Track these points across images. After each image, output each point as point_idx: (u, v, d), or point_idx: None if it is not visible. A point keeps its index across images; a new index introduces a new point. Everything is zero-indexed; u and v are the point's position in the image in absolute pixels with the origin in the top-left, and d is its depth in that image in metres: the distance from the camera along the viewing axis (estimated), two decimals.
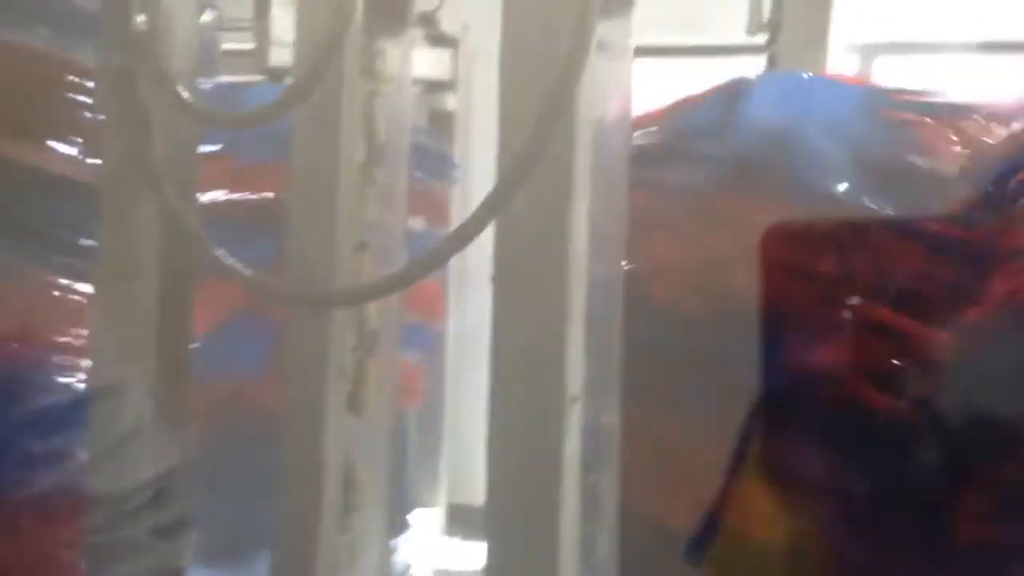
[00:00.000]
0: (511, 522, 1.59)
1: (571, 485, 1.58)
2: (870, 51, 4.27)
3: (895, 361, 1.61)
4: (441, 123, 4.04)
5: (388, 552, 1.99)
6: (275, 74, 3.00)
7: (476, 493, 4.31)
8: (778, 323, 1.69)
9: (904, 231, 1.68)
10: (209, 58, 2.49)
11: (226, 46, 3.08)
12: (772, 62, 3.14)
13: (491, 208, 1.44)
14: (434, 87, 4.00)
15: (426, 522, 3.88)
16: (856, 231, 1.73)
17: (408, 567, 3.60)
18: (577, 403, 1.56)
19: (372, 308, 1.80)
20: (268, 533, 1.86)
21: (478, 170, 4.13)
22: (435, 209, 3.64)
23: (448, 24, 3.88)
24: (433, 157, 3.42)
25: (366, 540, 1.85)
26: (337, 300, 1.72)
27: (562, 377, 1.55)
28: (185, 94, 1.72)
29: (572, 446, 1.56)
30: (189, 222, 1.74)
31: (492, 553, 1.61)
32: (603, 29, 1.58)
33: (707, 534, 1.54)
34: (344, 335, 1.78)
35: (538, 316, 1.56)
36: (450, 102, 4.06)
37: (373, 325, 1.80)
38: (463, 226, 1.46)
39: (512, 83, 1.60)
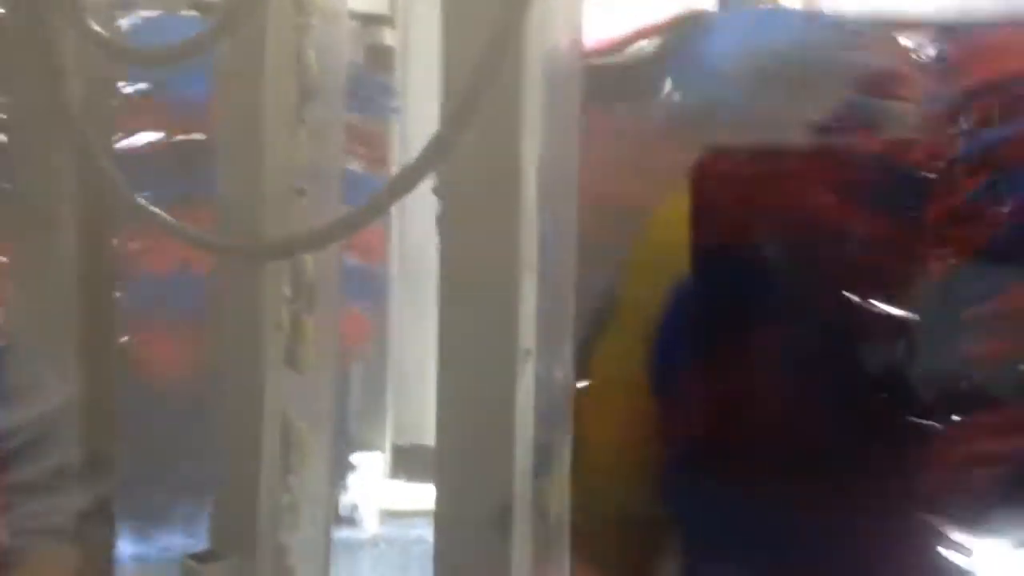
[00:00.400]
0: (464, 483, 1.51)
1: (524, 442, 1.50)
2: None
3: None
4: (378, 59, 3.90)
5: (332, 512, 1.91)
6: (205, 8, 2.85)
7: (422, 434, 4.27)
8: (711, 256, 1.69)
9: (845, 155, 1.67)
10: None
11: None
12: None
13: (435, 151, 1.34)
14: (371, 21, 3.85)
15: (371, 463, 3.83)
16: (795, 158, 1.69)
17: (354, 508, 3.55)
18: (530, 357, 1.48)
19: (309, 258, 1.70)
20: (204, 495, 1.78)
21: (418, 108, 4.02)
22: (374, 148, 3.53)
23: None
24: (372, 94, 3.30)
25: (309, 500, 1.77)
26: (270, 251, 1.61)
27: (514, 331, 1.46)
28: (98, 28, 1.59)
29: (525, 402, 1.49)
30: (108, 168, 1.62)
31: (443, 511, 1.54)
32: None
33: None
34: (279, 287, 1.68)
35: (488, 266, 1.47)
36: (388, 37, 3.92)
37: (310, 276, 1.70)
38: (406, 171, 1.37)
39: (455, 16, 1.50)
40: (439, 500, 1.55)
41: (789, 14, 2.29)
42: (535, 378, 1.52)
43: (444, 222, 1.54)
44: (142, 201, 1.51)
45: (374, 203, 1.43)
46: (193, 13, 2.88)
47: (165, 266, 2.57)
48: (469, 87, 1.34)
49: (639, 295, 1.81)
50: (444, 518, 1.55)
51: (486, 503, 1.49)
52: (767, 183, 1.73)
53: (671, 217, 1.75)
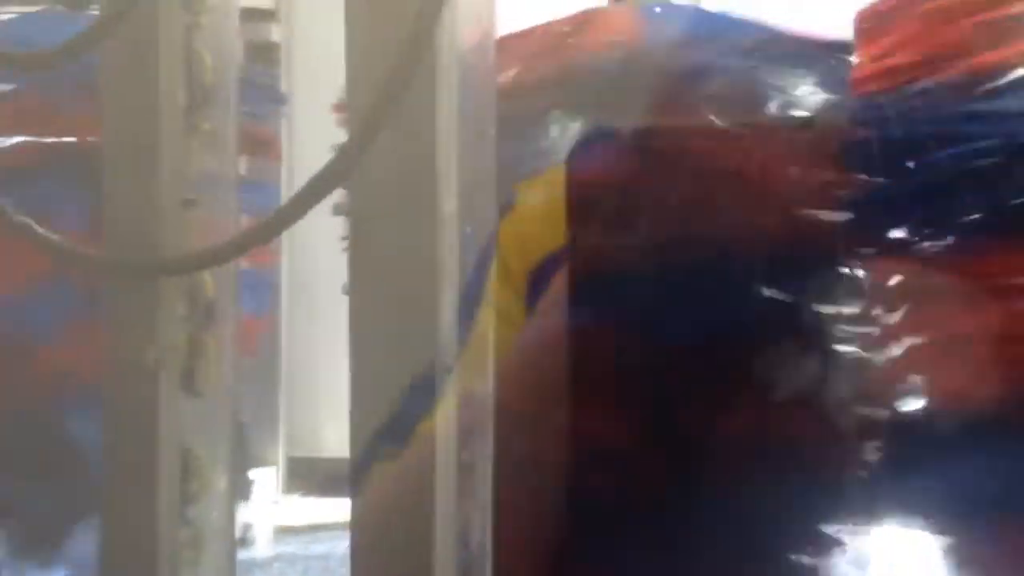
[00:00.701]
0: (382, 511, 1.43)
1: (446, 462, 1.43)
2: None
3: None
4: (261, 56, 3.77)
5: (234, 543, 1.80)
6: (71, 2, 2.69)
7: (316, 447, 4.15)
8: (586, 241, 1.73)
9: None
10: None
11: None
12: None
13: (348, 160, 1.25)
14: (253, 16, 3.72)
15: (264, 479, 3.70)
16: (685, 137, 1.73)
17: (247, 528, 3.41)
18: (451, 374, 1.40)
19: (207, 274, 1.58)
20: (93, 529, 1.66)
21: (304, 105, 3.90)
22: (261, 148, 3.40)
23: None
24: (258, 93, 3.18)
25: (210, 533, 1.66)
26: (166, 269, 1.50)
27: (433, 347, 1.38)
28: None
29: (447, 421, 1.41)
30: None
31: (361, 543, 1.46)
32: None
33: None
34: (174, 305, 1.56)
35: (404, 279, 1.39)
36: (272, 33, 3.79)
37: (209, 293, 1.59)
38: (314, 181, 1.27)
39: (359, 17, 1.41)
40: (355, 521, 1.47)
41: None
42: (456, 396, 1.44)
43: (354, 235, 1.45)
44: (24, 219, 1.38)
45: (281, 216, 1.33)
46: (59, 9, 2.72)
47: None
48: (380, 93, 1.26)
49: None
50: (362, 542, 1.46)
51: (406, 526, 1.41)
52: (647, 165, 1.78)
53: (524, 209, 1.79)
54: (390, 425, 1.41)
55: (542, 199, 1.84)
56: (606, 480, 1.77)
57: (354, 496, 1.47)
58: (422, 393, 1.39)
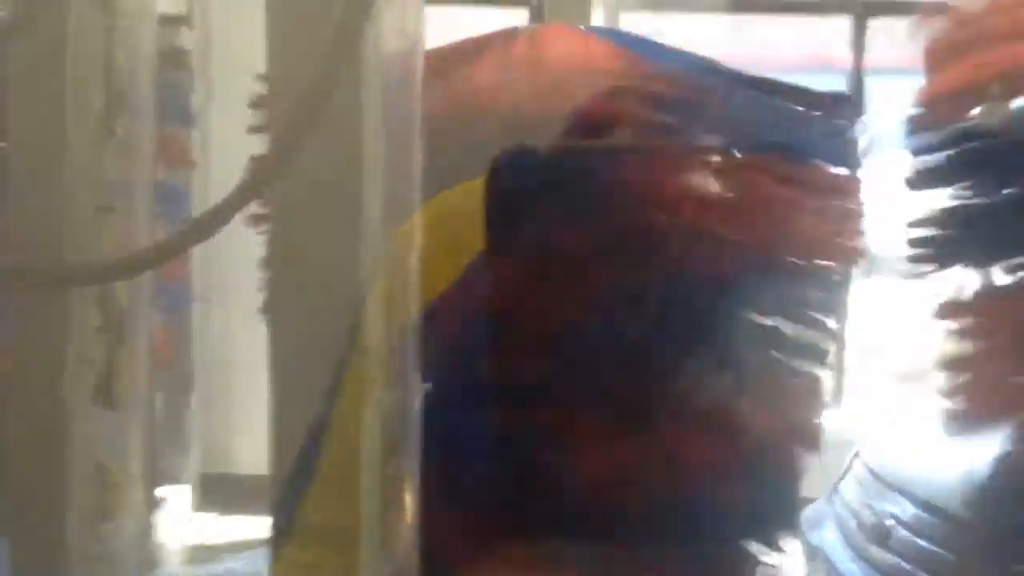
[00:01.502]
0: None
1: (371, 473, 1.40)
2: (615, 6, 4.25)
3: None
4: (174, 62, 3.69)
5: (150, 559, 1.74)
6: None
7: (230, 463, 4.04)
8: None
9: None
10: None
11: None
12: (538, 13, 3.05)
13: (269, 171, 1.22)
14: (164, 21, 3.64)
15: (176, 496, 3.60)
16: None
17: (159, 547, 3.32)
18: (375, 386, 1.38)
19: (120, 285, 1.53)
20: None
21: (216, 111, 3.83)
22: (173, 156, 3.33)
23: None
24: (170, 100, 3.10)
25: (125, 549, 1.60)
26: (78, 277, 1.45)
27: (358, 359, 1.36)
28: None
29: (372, 432, 1.39)
30: None
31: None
32: None
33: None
34: (87, 316, 1.51)
35: (328, 285, 1.36)
36: (184, 38, 3.71)
37: (122, 303, 1.54)
38: (238, 190, 1.24)
39: (280, 25, 1.38)
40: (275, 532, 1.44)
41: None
42: (380, 408, 1.42)
43: (275, 241, 1.42)
44: None
45: (202, 225, 1.29)
46: None
47: None
48: (302, 102, 1.23)
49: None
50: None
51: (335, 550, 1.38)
52: (564, 182, 1.83)
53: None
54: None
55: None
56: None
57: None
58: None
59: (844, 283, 1.95)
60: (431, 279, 1.77)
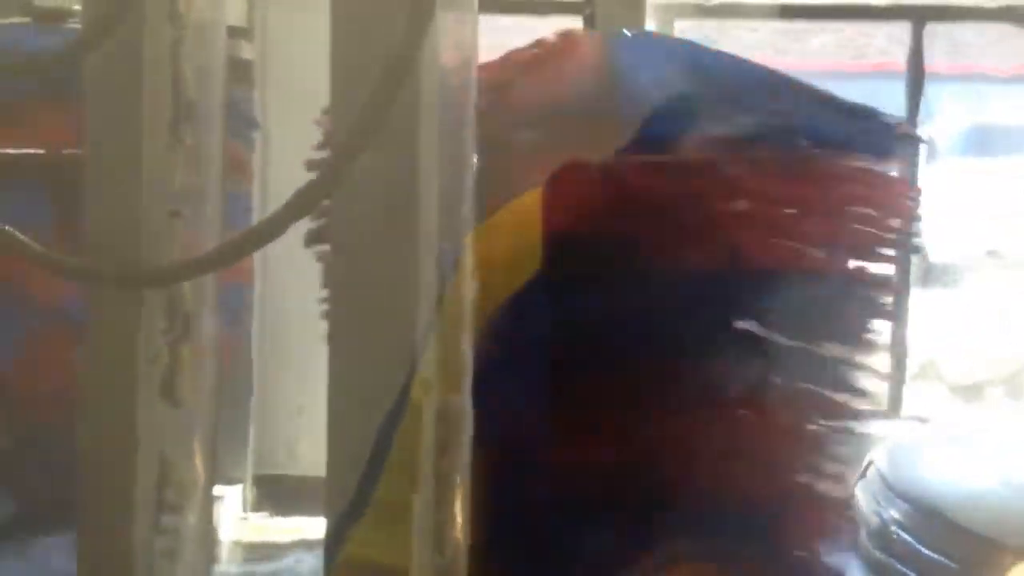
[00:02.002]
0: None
1: (425, 473, 1.45)
2: (668, 12, 4.28)
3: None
4: (237, 73, 3.78)
5: (212, 553, 1.81)
6: (43, 16, 2.70)
7: (284, 465, 4.13)
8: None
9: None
10: None
11: None
12: (591, 22, 3.10)
13: (330, 177, 1.28)
14: (228, 34, 3.73)
15: (231, 496, 3.69)
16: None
17: (217, 544, 3.41)
18: (430, 388, 1.43)
19: (186, 287, 1.60)
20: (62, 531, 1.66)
21: (276, 124, 3.91)
22: (233, 167, 3.41)
23: None
24: (231, 111, 3.19)
25: (187, 542, 1.67)
26: (149, 279, 1.51)
27: (413, 361, 1.41)
28: None
29: (426, 433, 1.43)
30: None
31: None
32: None
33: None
34: (155, 317, 1.58)
35: (384, 295, 1.41)
36: (246, 50, 3.80)
37: (188, 305, 1.60)
38: (297, 197, 1.29)
39: (344, 39, 1.43)
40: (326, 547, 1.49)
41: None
42: (434, 408, 1.47)
43: (334, 251, 1.48)
44: (9, 230, 1.39)
45: (264, 229, 1.35)
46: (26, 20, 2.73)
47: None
48: (363, 114, 1.28)
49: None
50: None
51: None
52: (619, 197, 1.87)
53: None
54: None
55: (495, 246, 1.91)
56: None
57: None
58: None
59: (897, 285, 1.96)
60: (490, 293, 1.83)
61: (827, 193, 1.85)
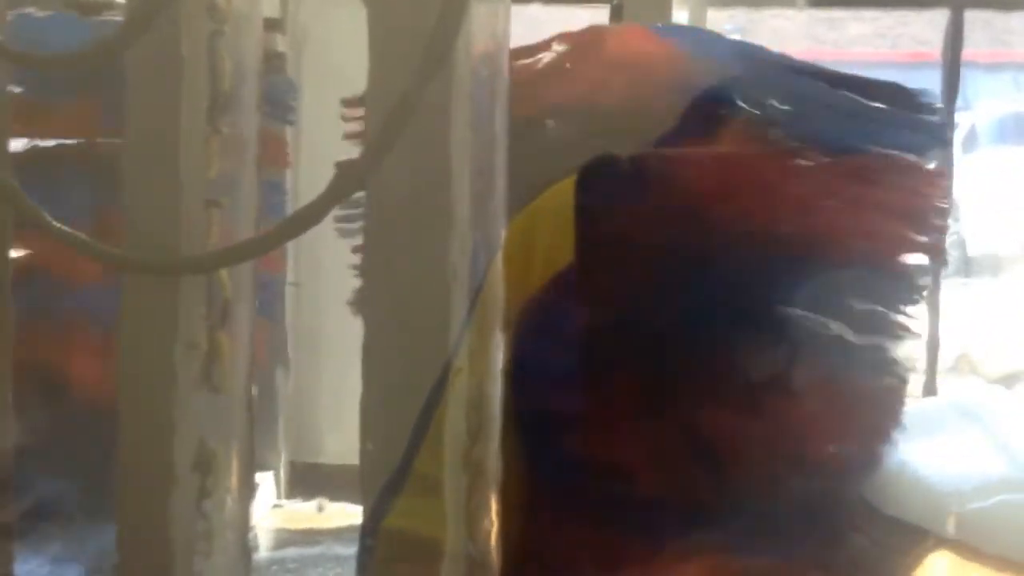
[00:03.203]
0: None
1: (455, 462, 1.47)
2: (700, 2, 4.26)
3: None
4: (270, 65, 3.81)
5: (248, 538, 1.83)
6: (85, 8, 2.74)
7: (318, 452, 4.17)
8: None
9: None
10: None
11: None
12: (618, 12, 3.10)
13: (365, 166, 1.29)
14: (263, 26, 3.76)
15: (265, 482, 3.73)
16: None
17: (250, 530, 3.44)
18: (461, 375, 1.45)
19: (224, 274, 1.63)
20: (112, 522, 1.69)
21: (309, 114, 3.95)
22: (270, 153, 3.44)
23: None
24: (268, 100, 3.22)
25: (224, 527, 1.69)
26: (187, 267, 1.54)
27: (445, 348, 1.43)
28: None
29: (456, 422, 1.45)
30: (3, 179, 1.53)
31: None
32: None
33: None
34: (194, 304, 1.60)
35: (417, 282, 1.43)
36: (279, 43, 3.84)
37: (227, 293, 1.63)
38: (333, 185, 1.31)
39: (380, 27, 1.45)
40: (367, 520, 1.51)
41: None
42: (465, 397, 1.49)
43: (368, 239, 1.50)
44: (48, 217, 1.42)
45: (301, 218, 1.37)
46: (71, 13, 2.76)
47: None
48: (398, 102, 1.30)
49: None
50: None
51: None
52: (652, 191, 1.88)
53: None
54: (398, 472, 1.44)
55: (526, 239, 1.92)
56: None
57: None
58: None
59: (927, 279, 1.94)
60: (524, 282, 1.85)
61: (864, 185, 1.85)
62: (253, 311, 1.74)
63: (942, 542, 1.66)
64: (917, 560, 1.66)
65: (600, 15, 3.37)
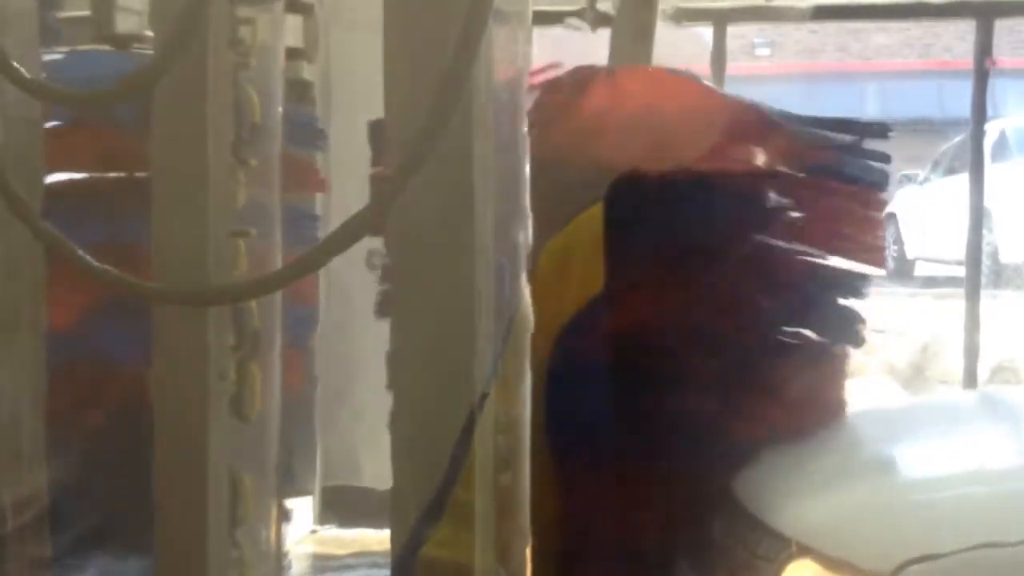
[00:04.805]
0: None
1: (484, 486, 1.47)
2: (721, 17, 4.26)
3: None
4: (297, 93, 3.84)
5: (279, 564, 1.84)
6: (120, 41, 2.77)
7: (352, 477, 4.14)
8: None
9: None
10: (48, 27, 2.26)
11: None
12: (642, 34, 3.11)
13: (391, 194, 1.30)
14: (288, 56, 3.79)
15: (300, 508, 3.72)
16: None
17: (284, 555, 3.44)
18: (488, 400, 1.44)
19: (253, 305, 1.64)
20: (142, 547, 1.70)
21: (339, 140, 3.96)
22: (300, 180, 3.46)
23: None
24: (298, 127, 3.24)
25: (256, 553, 1.70)
26: (215, 298, 1.55)
27: (471, 374, 1.43)
28: (24, 71, 1.52)
29: (484, 446, 1.45)
30: (35, 218, 1.55)
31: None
32: None
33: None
34: (223, 335, 1.61)
35: (443, 310, 1.44)
36: (305, 71, 3.86)
37: (255, 323, 1.64)
38: (360, 214, 1.32)
39: (397, 59, 1.46)
40: (395, 543, 1.51)
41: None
42: (493, 422, 1.48)
43: (394, 267, 1.50)
44: (81, 252, 1.44)
45: (327, 246, 1.38)
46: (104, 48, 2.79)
47: None
48: (420, 134, 1.30)
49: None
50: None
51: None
52: (679, 207, 1.96)
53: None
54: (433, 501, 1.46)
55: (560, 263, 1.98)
56: None
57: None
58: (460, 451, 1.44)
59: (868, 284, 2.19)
60: (557, 309, 1.89)
61: (826, 209, 2.13)
62: (278, 339, 1.75)
63: (805, 549, 1.65)
64: (781, 566, 1.65)
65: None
